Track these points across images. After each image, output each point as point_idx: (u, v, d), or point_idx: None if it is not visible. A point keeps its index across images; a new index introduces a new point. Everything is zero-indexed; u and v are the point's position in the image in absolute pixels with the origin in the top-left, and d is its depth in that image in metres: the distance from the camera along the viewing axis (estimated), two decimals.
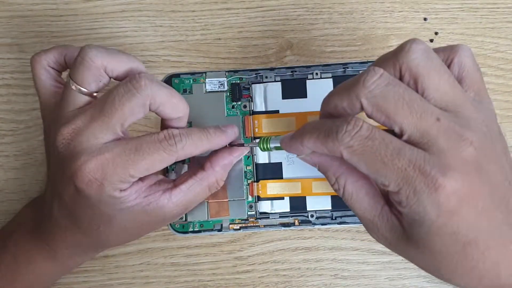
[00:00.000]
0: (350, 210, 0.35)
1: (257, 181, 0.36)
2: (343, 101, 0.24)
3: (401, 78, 0.24)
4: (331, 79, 0.36)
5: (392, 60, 0.25)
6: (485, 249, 0.24)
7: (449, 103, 0.24)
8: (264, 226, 0.36)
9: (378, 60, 0.26)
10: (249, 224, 0.36)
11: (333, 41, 0.38)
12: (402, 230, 0.25)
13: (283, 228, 0.36)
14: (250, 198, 0.36)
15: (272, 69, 0.37)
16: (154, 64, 0.38)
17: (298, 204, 0.36)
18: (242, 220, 0.36)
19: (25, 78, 0.38)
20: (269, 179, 0.36)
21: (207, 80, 0.37)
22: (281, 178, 0.36)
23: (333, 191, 0.35)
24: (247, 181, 0.36)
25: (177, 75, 0.37)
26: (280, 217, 0.36)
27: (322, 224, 0.36)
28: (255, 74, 0.37)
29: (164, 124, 0.31)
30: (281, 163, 0.36)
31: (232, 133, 0.32)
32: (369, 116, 0.24)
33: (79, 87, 0.28)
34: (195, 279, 0.37)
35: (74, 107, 0.28)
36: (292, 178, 0.36)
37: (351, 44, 0.38)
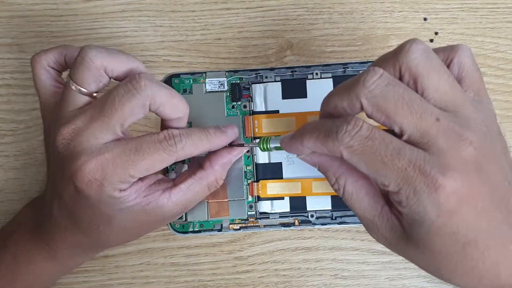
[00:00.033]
0: (350, 210, 0.35)
1: (257, 181, 0.36)
2: (343, 101, 0.24)
3: (400, 78, 0.24)
4: (331, 79, 0.36)
5: (392, 60, 0.25)
6: (484, 249, 0.24)
7: (448, 103, 0.24)
8: (264, 226, 0.36)
9: (378, 60, 0.26)
10: (249, 224, 0.36)
11: (333, 41, 0.38)
12: (402, 230, 0.25)
13: (283, 228, 0.36)
14: (250, 198, 0.36)
15: (272, 69, 0.37)
16: (154, 64, 0.38)
17: (298, 204, 0.36)
18: (242, 220, 0.36)
19: (25, 78, 0.38)
20: (269, 179, 0.36)
21: (207, 80, 0.37)
22: (281, 178, 0.36)
23: (333, 191, 0.35)
24: (247, 181, 0.36)
25: (177, 75, 0.37)
26: (280, 217, 0.36)
27: (322, 224, 0.36)
28: (255, 74, 0.37)
29: (164, 125, 0.31)
30: (281, 163, 0.36)
31: (232, 133, 0.32)
32: (369, 116, 0.24)
33: (79, 87, 0.28)
34: (195, 279, 0.37)
35: (74, 107, 0.28)
36: (292, 178, 0.36)
37: (351, 44, 0.38)
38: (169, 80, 0.37)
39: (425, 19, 0.38)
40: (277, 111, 0.36)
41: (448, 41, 0.38)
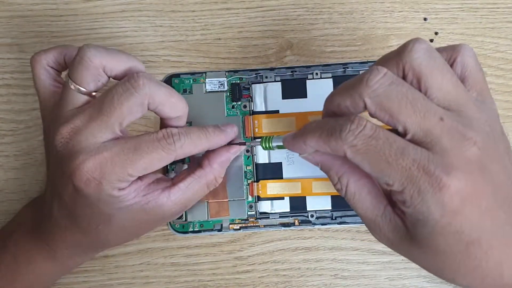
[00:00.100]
0: (350, 210, 0.35)
1: (257, 181, 0.36)
2: (346, 100, 0.24)
3: (404, 78, 0.24)
4: (331, 79, 0.36)
5: (395, 59, 0.25)
6: (488, 249, 0.24)
7: (452, 103, 0.24)
8: (264, 226, 0.36)
9: (381, 59, 0.26)
10: (249, 224, 0.36)
11: (333, 41, 0.38)
12: (405, 230, 0.25)
13: (283, 228, 0.36)
14: (250, 198, 0.36)
15: (272, 69, 0.37)
16: (154, 64, 0.38)
17: (298, 204, 0.36)
18: (242, 220, 0.36)
19: (25, 78, 0.38)
20: (269, 179, 0.36)
21: (207, 80, 0.37)
22: (281, 178, 0.36)
23: (333, 191, 0.35)
24: (247, 181, 0.36)
25: (177, 75, 0.37)
26: (280, 217, 0.36)
27: (322, 224, 0.36)
28: (255, 74, 0.37)
29: (163, 124, 0.30)
30: (281, 163, 0.36)
31: (232, 132, 0.32)
32: (373, 116, 0.24)
33: (78, 86, 0.28)
34: (195, 279, 0.37)
35: (73, 107, 0.28)
36: (292, 178, 0.36)
37: (351, 44, 0.38)
38: (169, 80, 0.37)
39: (425, 19, 0.38)
40: (277, 111, 0.36)
41: (448, 41, 0.38)
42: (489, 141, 0.24)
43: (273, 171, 0.36)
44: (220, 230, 0.36)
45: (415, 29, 0.38)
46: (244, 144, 0.33)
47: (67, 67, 0.33)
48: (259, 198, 0.36)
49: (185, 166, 0.36)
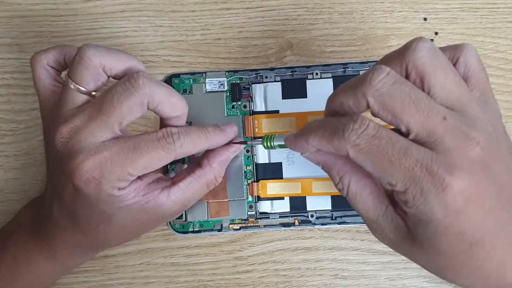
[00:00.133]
0: (350, 210, 0.35)
1: (257, 181, 0.36)
2: (349, 99, 0.24)
3: (407, 77, 0.24)
4: (331, 79, 0.36)
5: (398, 58, 0.24)
6: (491, 249, 0.24)
7: (455, 102, 0.24)
8: (264, 226, 0.36)
9: (384, 58, 0.26)
10: (249, 224, 0.36)
11: (333, 41, 0.38)
12: (407, 230, 0.25)
13: (283, 228, 0.36)
14: (250, 198, 0.36)
15: (272, 69, 0.37)
16: (154, 64, 0.38)
17: (298, 204, 0.36)
18: (242, 220, 0.36)
19: (25, 78, 0.38)
20: (269, 179, 0.36)
21: (207, 80, 0.37)
22: (281, 178, 0.36)
23: (333, 191, 0.35)
24: (247, 181, 0.36)
25: (177, 75, 0.37)
26: (280, 217, 0.36)
27: (322, 224, 0.36)
28: (255, 74, 0.37)
29: (163, 123, 0.30)
30: (281, 163, 0.36)
31: (231, 131, 0.32)
32: (375, 115, 0.24)
33: (77, 86, 0.28)
34: (195, 279, 0.37)
35: (73, 106, 0.28)
36: (292, 178, 0.36)
37: (351, 44, 0.38)
38: (169, 80, 0.37)
39: (425, 19, 0.38)
40: (277, 111, 0.36)
41: (448, 41, 0.38)
42: (492, 141, 0.24)
43: (273, 171, 0.36)
44: (220, 230, 0.36)
45: (415, 29, 0.38)
46: (245, 143, 0.33)
47: (67, 66, 0.33)
48: (259, 198, 0.36)
49: (185, 166, 0.36)
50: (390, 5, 0.38)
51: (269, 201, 0.36)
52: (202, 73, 0.37)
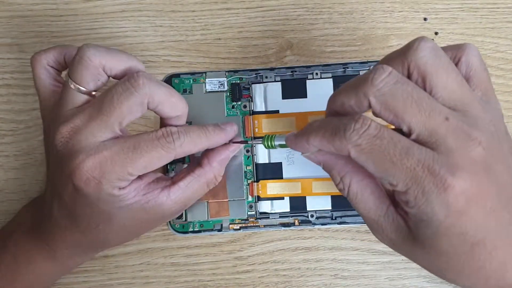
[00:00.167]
0: (350, 210, 0.35)
1: (257, 181, 0.36)
2: (350, 99, 0.24)
3: (408, 76, 0.24)
4: (331, 79, 0.36)
5: (400, 58, 0.24)
6: (492, 249, 0.24)
7: (457, 102, 0.24)
8: (264, 226, 0.36)
9: (386, 58, 0.26)
10: (249, 224, 0.36)
11: (333, 41, 0.38)
12: (408, 230, 0.24)
13: (283, 228, 0.36)
14: (250, 198, 0.36)
15: (272, 69, 0.37)
16: (154, 64, 0.38)
17: (298, 204, 0.36)
18: (242, 220, 0.36)
19: (25, 78, 0.38)
20: (269, 179, 0.36)
21: (207, 80, 0.37)
22: (281, 178, 0.36)
23: (333, 191, 0.35)
24: (247, 181, 0.36)
25: (177, 75, 0.37)
26: (280, 217, 0.36)
27: (322, 224, 0.36)
28: (255, 74, 0.37)
29: (163, 123, 0.30)
30: (281, 163, 0.36)
31: (231, 130, 0.32)
32: (377, 115, 0.24)
33: (77, 86, 0.28)
34: (195, 279, 0.37)
35: (73, 106, 0.28)
36: (292, 178, 0.36)
37: (351, 44, 0.38)
38: (169, 80, 0.37)
39: (425, 19, 0.38)
40: (277, 111, 0.36)
41: (448, 41, 0.38)
42: (493, 141, 0.24)
43: (273, 171, 0.36)
44: (220, 230, 0.36)
45: (415, 29, 0.38)
46: (245, 142, 0.33)
47: (67, 66, 0.33)
48: (259, 198, 0.36)
49: (185, 166, 0.36)
50: (390, 5, 0.38)
51: (269, 201, 0.36)
52: (202, 73, 0.37)
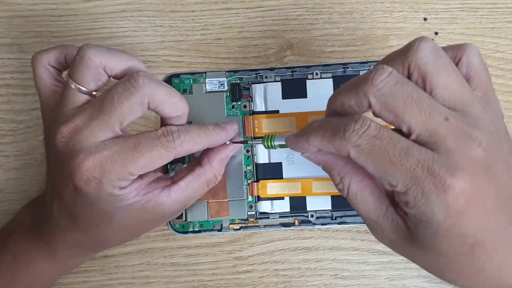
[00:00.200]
0: (350, 210, 0.35)
1: (257, 181, 0.36)
2: (350, 99, 0.24)
3: (409, 77, 0.24)
4: (331, 79, 0.36)
5: (400, 58, 0.24)
6: (492, 250, 0.24)
7: (457, 102, 0.24)
8: (264, 226, 0.36)
9: (386, 58, 0.25)
10: (249, 224, 0.36)
11: (333, 41, 0.38)
12: (407, 231, 0.24)
13: (283, 228, 0.36)
14: (250, 198, 0.36)
15: (272, 69, 0.37)
16: (154, 64, 0.38)
17: (298, 204, 0.36)
18: (242, 220, 0.36)
19: (25, 78, 0.38)
20: (269, 179, 0.36)
21: (207, 80, 0.37)
22: (281, 178, 0.36)
23: (333, 191, 0.35)
24: (247, 181, 0.36)
25: (177, 75, 0.37)
26: (280, 217, 0.36)
27: (322, 224, 0.36)
28: (255, 74, 0.37)
29: (164, 123, 0.30)
30: (281, 163, 0.36)
31: (232, 130, 0.32)
32: (377, 115, 0.24)
33: (78, 86, 0.28)
34: (195, 279, 0.37)
35: (74, 106, 0.28)
36: (292, 178, 0.36)
37: (351, 44, 0.38)
38: (169, 80, 0.37)
39: (425, 19, 0.38)
40: (277, 111, 0.36)
41: (448, 41, 0.38)
42: (494, 141, 0.24)
43: (273, 171, 0.36)
44: (220, 230, 0.36)
45: (415, 29, 0.38)
46: (245, 142, 0.33)
47: (68, 66, 0.33)
48: (259, 198, 0.36)
49: (185, 166, 0.36)
50: (390, 5, 0.38)
51: (269, 201, 0.36)
52: (202, 73, 0.37)
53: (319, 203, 0.36)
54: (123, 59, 0.29)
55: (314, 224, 0.36)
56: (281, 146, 0.30)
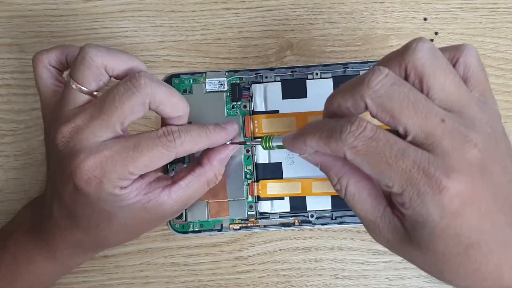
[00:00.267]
0: (350, 210, 0.35)
1: (257, 181, 0.36)
2: (347, 101, 0.24)
3: (406, 78, 0.24)
4: (331, 79, 0.36)
5: (397, 59, 0.24)
6: (487, 251, 0.24)
7: (454, 103, 0.24)
8: (264, 226, 0.36)
9: (384, 59, 0.26)
10: (249, 224, 0.36)
11: (333, 41, 0.38)
12: (404, 231, 0.25)
13: (283, 228, 0.36)
14: (250, 198, 0.36)
15: (272, 69, 0.37)
16: (154, 64, 0.38)
17: (298, 204, 0.36)
18: (242, 220, 0.36)
19: (25, 78, 0.38)
20: (269, 179, 0.36)
21: (207, 80, 0.37)
22: (281, 178, 0.36)
23: (333, 191, 0.35)
24: (247, 181, 0.36)
25: (177, 75, 0.37)
26: (280, 217, 0.36)
27: (322, 224, 0.36)
28: (255, 74, 0.37)
29: (164, 123, 0.30)
30: (281, 163, 0.36)
31: (232, 130, 0.32)
32: (374, 116, 0.24)
33: (79, 86, 0.28)
34: (195, 279, 0.37)
35: (74, 106, 0.28)
36: (292, 178, 0.36)
37: (351, 44, 0.38)
38: (169, 80, 0.37)
39: (425, 19, 0.38)
40: (277, 111, 0.36)
41: (448, 41, 0.38)
42: (490, 142, 0.24)
43: (273, 171, 0.36)
44: (220, 230, 0.36)
45: (415, 29, 0.38)
46: (244, 143, 0.33)
47: (69, 66, 0.33)
48: (259, 198, 0.36)
49: (185, 166, 0.36)
50: (390, 5, 0.38)
51: (269, 201, 0.36)
52: (202, 73, 0.37)
53: (319, 203, 0.36)
54: (124, 59, 0.29)
55: (314, 224, 0.36)
56: (279, 147, 0.30)
